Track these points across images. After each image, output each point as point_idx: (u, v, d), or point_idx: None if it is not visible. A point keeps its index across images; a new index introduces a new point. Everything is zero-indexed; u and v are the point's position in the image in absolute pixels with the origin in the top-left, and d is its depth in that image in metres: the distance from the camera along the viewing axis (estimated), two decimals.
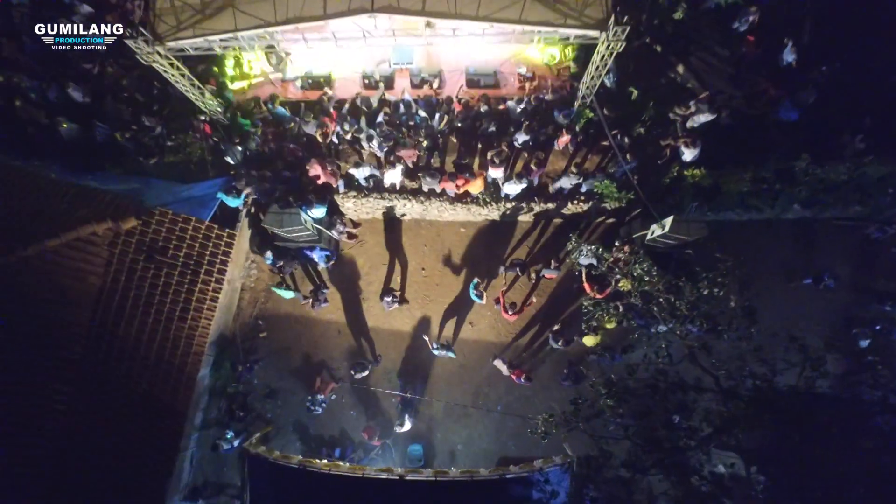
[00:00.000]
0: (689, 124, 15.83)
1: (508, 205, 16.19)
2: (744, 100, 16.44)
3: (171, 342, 13.84)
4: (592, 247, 14.78)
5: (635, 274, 12.78)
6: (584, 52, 15.22)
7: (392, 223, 17.63)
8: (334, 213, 16.40)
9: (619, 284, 14.95)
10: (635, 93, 16.10)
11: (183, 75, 13.04)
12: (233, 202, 15.01)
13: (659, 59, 16.71)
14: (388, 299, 16.05)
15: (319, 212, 14.99)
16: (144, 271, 13.67)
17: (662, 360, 11.90)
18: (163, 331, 13.76)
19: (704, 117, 15.43)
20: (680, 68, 16.64)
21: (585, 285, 15.43)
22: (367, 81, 15.39)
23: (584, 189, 15.93)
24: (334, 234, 16.25)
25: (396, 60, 15.31)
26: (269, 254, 15.75)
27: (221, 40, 11.95)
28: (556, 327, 15.90)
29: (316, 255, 16.21)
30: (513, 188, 15.17)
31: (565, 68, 15.61)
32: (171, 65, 12.52)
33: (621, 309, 12.76)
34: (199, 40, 11.44)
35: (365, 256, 17.50)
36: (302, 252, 16.35)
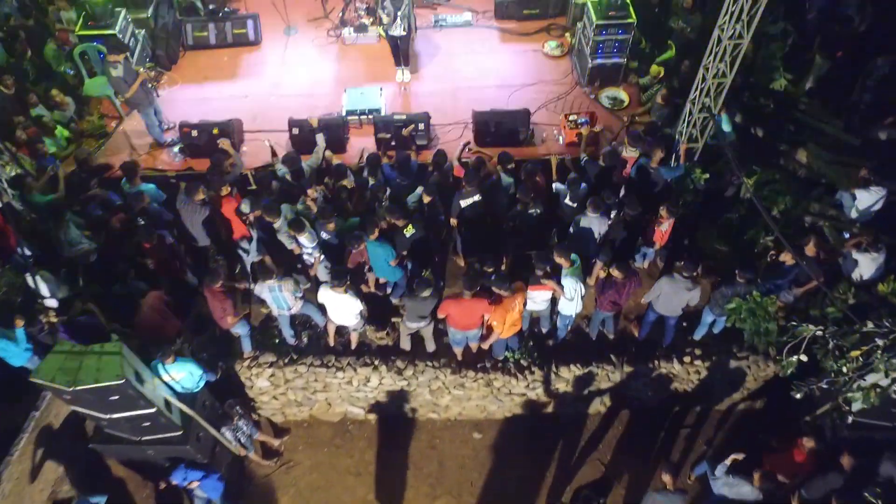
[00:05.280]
0: (854, 213, 9.34)
1: (564, 372, 8.64)
2: None
3: None
4: None
5: None
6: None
7: (345, 425, 9.64)
8: (231, 398, 8.55)
9: None
10: (748, 183, 9.85)
11: None
12: (16, 356, 7.34)
13: (760, 144, 10.94)
14: None
15: (183, 373, 7.34)
16: None
17: None
18: None
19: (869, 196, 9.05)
20: (802, 155, 10.77)
21: None
22: (295, 132, 8.92)
23: (700, 332, 8.63)
24: (229, 439, 8.23)
25: (351, 107, 9.19)
26: None
27: None
28: None
29: (194, 486, 7.93)
30: (569, 310, 7.92)
31: (641, 111, 9.49)
32: None
33: None
34: None
35: (293, 491, 9.11)
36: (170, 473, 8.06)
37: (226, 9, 10.86)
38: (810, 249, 7.98)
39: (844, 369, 6.46)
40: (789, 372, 6.81)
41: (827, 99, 11.36)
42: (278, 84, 10.33)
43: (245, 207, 7.87)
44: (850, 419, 7.42)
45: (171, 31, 10.61)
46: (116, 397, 6.46)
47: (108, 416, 6.85)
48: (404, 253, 8.11)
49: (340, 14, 10.87)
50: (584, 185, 8.28)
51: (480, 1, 11.35)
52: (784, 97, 11.08)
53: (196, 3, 10.59)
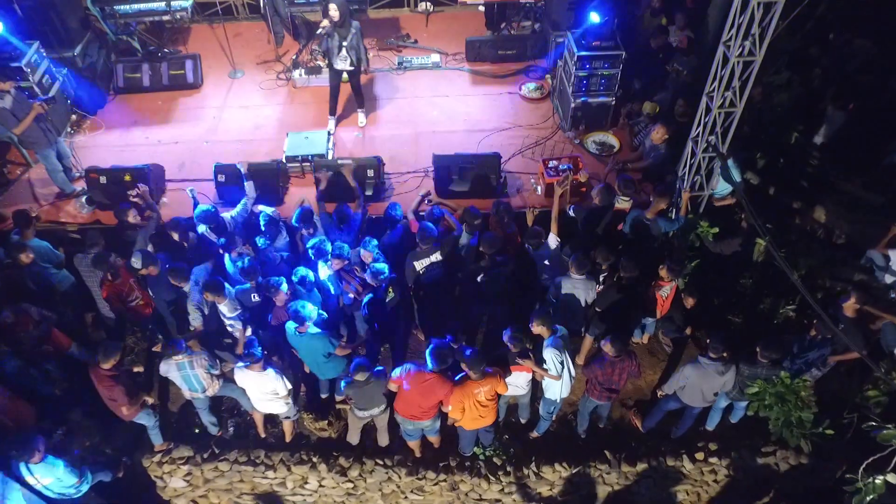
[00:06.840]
0: (888, 277, 7.86)
1: (548, 472, 6.99)
2: None
3: None
4: None
5: None
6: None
7: None
8: None
9: None
10: (760, 246, 8.45)
11: None
12: None
13: (776, 204, 9.62)
14: None
15: (50, 478, 5.70)
16: None
17: None
18: None
19: None
20: (820, 214, 9.44)
21: None
22: (221, 179, 7.55)
23: (713, 421, 7.01)
24: None
25: (292, 153, 7.87)
26: None
27: None
28: None
29: None
30: (554, 393, 6.35)
31: (633, 157, 8.12)
32: None
33: None
34: None
35: None
36: None
37: (165, 50, 9.73)
38: (850, 308, 6.45)
39: None
40: (868, 500, 4.92)
41: (843, 153, 10.21)
42: (215, 129, 8.98)
43: (136, 263, 6.37)
44: None
45: (100, 72, 9.43)
46: None
47: None
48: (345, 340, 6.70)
49: (294, 56, 9.75)
50: (552, 238, 6.81)
51: (451, 42, 10.25)
52: (795, 150, 9.89)
53: (133, 43, 9.49)
